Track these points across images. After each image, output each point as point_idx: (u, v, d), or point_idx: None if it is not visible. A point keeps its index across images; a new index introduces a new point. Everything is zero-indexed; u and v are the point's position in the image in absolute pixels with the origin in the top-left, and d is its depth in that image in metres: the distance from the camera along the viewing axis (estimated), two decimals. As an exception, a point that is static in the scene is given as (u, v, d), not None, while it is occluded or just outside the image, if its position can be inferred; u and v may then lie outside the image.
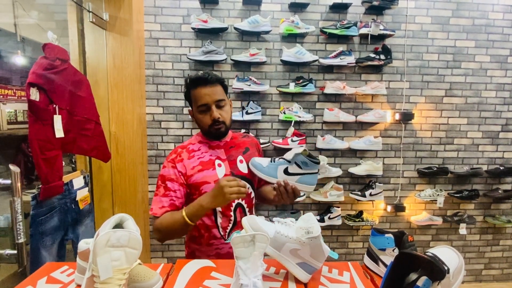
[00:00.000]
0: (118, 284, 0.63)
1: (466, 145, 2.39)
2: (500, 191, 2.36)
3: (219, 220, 1.10)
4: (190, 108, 1.15)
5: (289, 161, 1.06)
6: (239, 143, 1.19)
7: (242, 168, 1.13)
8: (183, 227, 0.98)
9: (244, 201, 1.13)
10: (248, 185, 0.92)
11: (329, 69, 2.26)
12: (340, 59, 2.17)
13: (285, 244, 0.80)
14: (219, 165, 1.10)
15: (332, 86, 2.17)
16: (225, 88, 1.11)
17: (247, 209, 1.15)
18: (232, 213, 1.10)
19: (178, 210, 1.04)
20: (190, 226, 0.99)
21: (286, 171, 1.05)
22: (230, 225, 1.10)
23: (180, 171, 1.07)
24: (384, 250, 0.85)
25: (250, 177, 1.15)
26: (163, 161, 1.12)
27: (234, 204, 1.10)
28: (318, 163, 1.06)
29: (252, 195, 1.17)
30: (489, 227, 2.47)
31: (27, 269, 1.23)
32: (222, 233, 1.09)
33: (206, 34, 2.16)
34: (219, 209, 1.09)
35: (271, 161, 1.08)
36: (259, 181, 1.25)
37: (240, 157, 1.15)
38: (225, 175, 1.09)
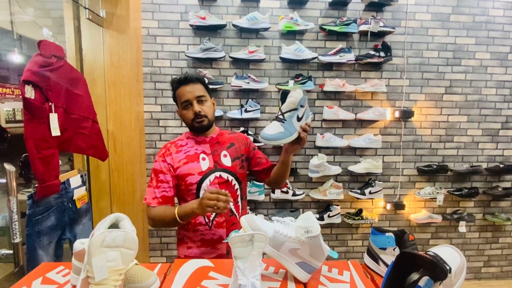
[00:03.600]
0: (113, 285, 0.62)
1: (466, 142, 2.38)
2: (499, 189, 2.36)
3: None
4: (178, 109, 1.23)
5: (296, 109, 1.02)
6: (225, 140, 1.26)
7: (226, 161, 1.21)
8: (174, 222, 1.10)
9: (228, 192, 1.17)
10: (229, 194, 0.99)
11: (328, 66, 2.24)
12: (340, 56, 2.15)
13: (284, 244, 0.79)
14: (203, 159, 1.19)
15: (332, 84, 2.16)
16: (206, 87, 1.21)
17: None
18: None
19: (169, 199, 1.15)
20: (180, 223, 1.10)
21: (298, 118, 1.03)
22: (213, 214, 1.17)
23: (169, 163, 1.17)
24: (384, 249, 0.84)
25: (234, 170, 1.21)
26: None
27: None
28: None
29: (236, 187, 1.21)
30: (488, 225, 2.46)
31: (24, 269, 1.22)
32: (206, 220, 1.18)
33: (204, 31, 2.14)
34: None
35: (282, 122, 1.03)
36: (264, 171, 1.29)
37: (224, 152, 1.22)
38: (209, 168, 1.17)
